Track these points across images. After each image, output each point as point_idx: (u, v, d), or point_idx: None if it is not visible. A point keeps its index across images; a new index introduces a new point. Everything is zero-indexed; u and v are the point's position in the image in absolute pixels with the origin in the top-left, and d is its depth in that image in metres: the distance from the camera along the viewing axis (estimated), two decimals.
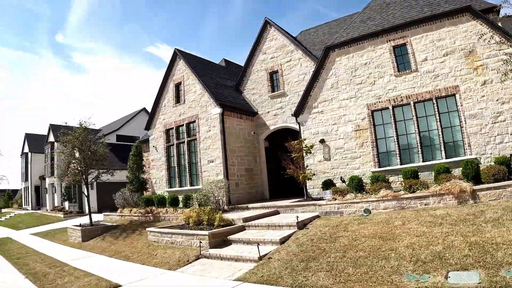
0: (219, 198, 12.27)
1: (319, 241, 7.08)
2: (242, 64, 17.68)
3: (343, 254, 6.09)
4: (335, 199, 9.46)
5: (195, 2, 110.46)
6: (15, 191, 57.59)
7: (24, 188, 36.62)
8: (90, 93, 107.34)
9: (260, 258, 6.80)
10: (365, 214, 8.49)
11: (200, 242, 8.32)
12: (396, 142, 10.93)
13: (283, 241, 7.54)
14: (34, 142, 35.72)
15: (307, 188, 12.08)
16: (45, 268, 8.49)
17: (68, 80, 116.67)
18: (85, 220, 20.35)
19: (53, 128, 31.13)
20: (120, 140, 31.16)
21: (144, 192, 16.93)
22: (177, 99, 16.28)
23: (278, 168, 13.28)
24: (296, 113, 13.22)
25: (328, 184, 11.19)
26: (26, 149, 35.46)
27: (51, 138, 30.70)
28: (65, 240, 13.63)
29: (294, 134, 14.15)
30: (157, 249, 9.32)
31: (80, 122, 13.80)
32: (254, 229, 9.23)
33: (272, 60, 15.61)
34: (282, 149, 12.50)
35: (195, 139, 14.95)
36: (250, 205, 12.29)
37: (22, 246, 12.90)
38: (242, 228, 9.33)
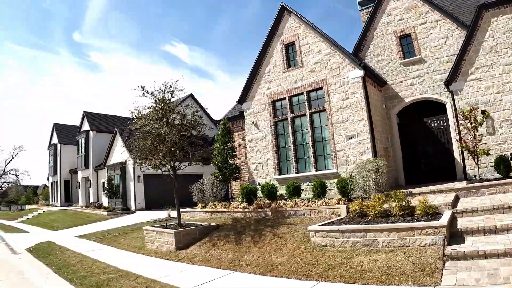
0: (370, 183, 8.55)
1: None
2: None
3: None
4: None
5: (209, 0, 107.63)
6: (35, 187, 54.89)
7: (52, 183, 33.39)
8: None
9: None
10: None
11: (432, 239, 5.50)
12: None
13: None
14: (64, 133, 32.45)
15: (466, 168, 10.54)
16: None
17: (84, 79, 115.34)
18: (136, 218, 16.74)
19: (88, 116, 27.77)
20: None
21: (233, 182, 13.22)
22: (289, 63, 12.68)
23: (413, 149, 11.85)
24: (449, 81, 11.08)
25: (500, 162, 8.98)
26: (55, 140, 32.21)
27: (86, 127, 27.31)
28: (140, 247, 9.88)
29: (433, 107, 11.95)
30: (348, 255, 5.80)
31: (165, 85, 10.00)
32: (471, 216, 6.52)
33: (401, 22, 13.01)
34: (417, 125, 11.23)
35: (323, 110, 11.43)
36: (408, 190, 9.30)
37: (80, 257, 9.15)
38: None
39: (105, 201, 24.25)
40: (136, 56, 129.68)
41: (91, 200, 25.90)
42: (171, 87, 10.10)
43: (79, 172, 28.15)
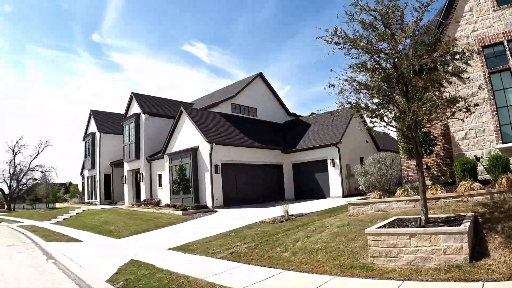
0: None
1: None
2: None
3: None
4: None
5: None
6: (60, 185, 51.01)
7: (88, 178, 29.11)
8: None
9: None
10: None
11: None
12: None
13: None
14: (103, 120, 28.17)
15: None
16: None
17: (103, 80, 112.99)
18: (230, 219, 11.61)
19: (137, 98, 23.39)
20: (236, 111, 22.97)
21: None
22: None
23: None
24: None
25: None
26: (93, 129, 27.95)
27: (135, 109, 22.90)
28: (357, 266, 5.09)
29: None
30: None
31: None
32: None
33: None
34: None
35: None
36: None
37: None
38: None
39: (164, 197, 19.67)
40: (155, 56, 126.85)
41: (143, 197, 21.38)
42: None
43: (126, 164, 23.70)
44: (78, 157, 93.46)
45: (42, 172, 48.30)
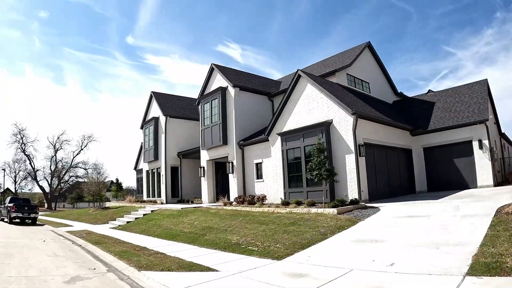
0: None
1: None
2: None
3: None
4: None
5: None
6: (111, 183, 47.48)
7: (148, 172, 24.57)
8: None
9: None
10: None
11: None
12: None
13: None
14: (169, 104, 23.60)
15: None
16: None
17: (141, 81, 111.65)
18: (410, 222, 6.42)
19: (222, 70, 18.59)
20: (351, 83, 17.64)
21: None
22: None
23: None
24: None
25: None
26: (156, 113, 23.42)
27: (220, 83, 18.06)
28: None
29: None
30: None
31: None
32: None
33: None
34: None
35: None
36: None
37: None
38: None
39: (268, 191, 14.57)
40: (189, 57, 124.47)
41: (234, 192, 16.34)
42: None
43: (205, 153, 18.80)
44: (121, 154, 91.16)
45: (85, 169, 44.97)
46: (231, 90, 17.05)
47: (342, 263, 5.81)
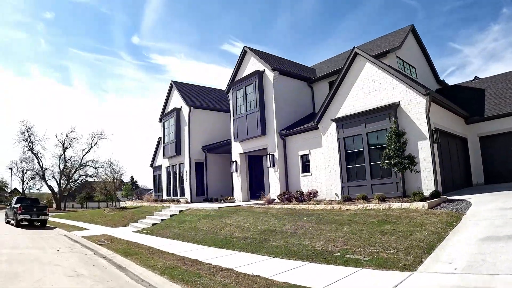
0: None
1: None
2: None
3: None
4: None
5: None
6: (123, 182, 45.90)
7: (168, 168, 22.98)
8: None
9: None
10: None
11: None
12: None
13: None
14: (191, 94, 22.00)
15: None
16: None
17: (147, 81, 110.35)
18: None
19: (257, 53, 16.98)
20: (400, 67, 16.01)
21: None
22: None
23: None
24: None
25: None
26: (177, 103, 21.80)
27: (256, 66, 16.49)
28: None
29: None
30: None
31: None
32: None
33: None
34: None
35: None
36: None
37: None
38: None
39: (319, 186, 12.92)
40: (196, 57, 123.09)
41: (277, 190, 14.71)
42: None
43: (237, 146, 17.16)
44: (131, 153, 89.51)
45: (95, 168, 43.44)
46: (269, 74, 15.41)
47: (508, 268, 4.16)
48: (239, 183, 16.91)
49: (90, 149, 43.33)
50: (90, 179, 44.94)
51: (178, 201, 20.11)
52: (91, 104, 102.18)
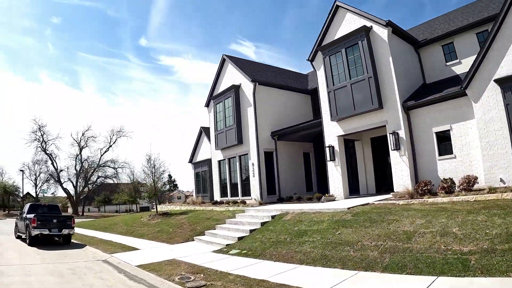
0: None
1: None
2: None
3: None
4: None
5: None
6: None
7: (220, 162, 19.11)
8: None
9: None
10: None
11: None
12: None
13: None
14: (251, 68, 18.15)
15: None
16: None
17: (156, 83, 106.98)
18: None
19: (355, 11, 12.64)
20: None
21: None
22: None
23: None
24: None
25: None
26: (235, 80, 17.86)
27: (357, 22, 12.60)
28: None
29: None
30: None
31: None
32: None
33: None
34: None
35: None
36: None
37: None
38: None
39: (472, 170, 8.99)
40: (204, 57, 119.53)
41: (405, 180, 10.80)
42: None
43: (334, 126, 13.22)
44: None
45: (114, 168, 39.65)
46: (380, 32, 11.56)
47: None
48: (338, 175, 13.01)
49: (109, 147, 39.58)
50: (109, 181, 41.18)
51: (243, 202, 16.15)
52: (102, 107, 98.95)
